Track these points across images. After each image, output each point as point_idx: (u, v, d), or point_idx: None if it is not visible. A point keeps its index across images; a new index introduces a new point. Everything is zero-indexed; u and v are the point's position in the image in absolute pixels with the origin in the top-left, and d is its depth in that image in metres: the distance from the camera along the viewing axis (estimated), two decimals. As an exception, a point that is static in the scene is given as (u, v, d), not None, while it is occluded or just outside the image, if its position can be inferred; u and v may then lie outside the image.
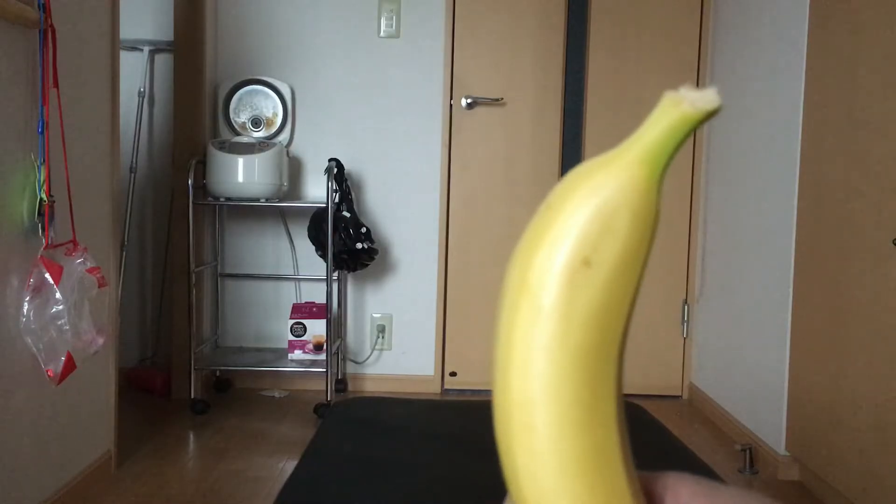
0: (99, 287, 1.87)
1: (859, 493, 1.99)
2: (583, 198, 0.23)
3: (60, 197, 1.86)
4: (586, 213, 0.23)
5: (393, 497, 1.06)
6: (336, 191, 2.93)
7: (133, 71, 3.13)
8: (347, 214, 2.94)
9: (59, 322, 1.73)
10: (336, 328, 3.16)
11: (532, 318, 0.23)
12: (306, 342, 3.01)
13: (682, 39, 3.19)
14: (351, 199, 3.00)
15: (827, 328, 2.16)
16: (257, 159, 2.86)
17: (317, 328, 3.01)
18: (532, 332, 0.23)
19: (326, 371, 2.91)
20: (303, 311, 3.05)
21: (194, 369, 2.90)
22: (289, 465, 2.40)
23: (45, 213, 1.77)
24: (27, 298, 1.73)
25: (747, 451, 2.48)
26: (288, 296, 3.26)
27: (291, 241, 3.25)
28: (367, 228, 2.99)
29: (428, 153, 3.21)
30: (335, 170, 2.92)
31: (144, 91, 3.18)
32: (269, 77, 3.13)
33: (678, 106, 0.23)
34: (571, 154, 3.23)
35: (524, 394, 0.23)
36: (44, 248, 1.76)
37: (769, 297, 2.53)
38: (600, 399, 0.23)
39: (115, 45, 2.26)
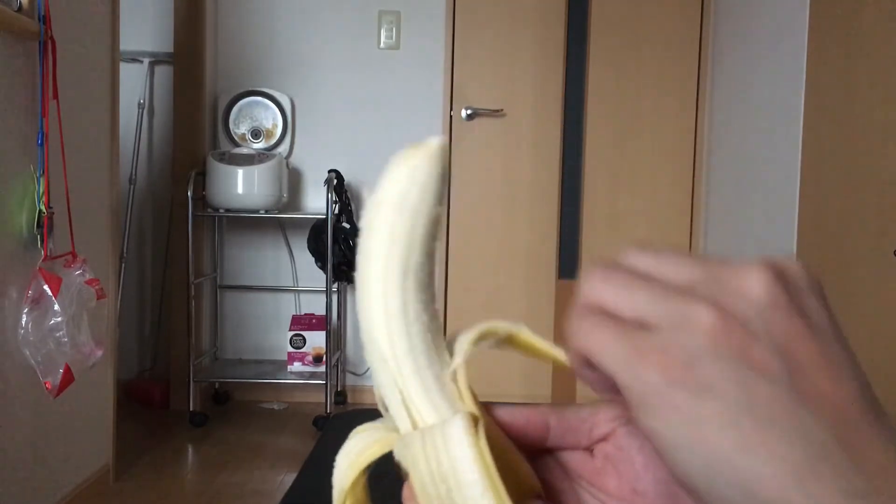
0: (98, 299, 1.86)
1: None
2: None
3: (59, 208, 1.86)
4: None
5: (393, 510, 1.05)
6: (336, 202, 2.92)
7: (133, 82, 3.13)
8: (347, 226, 2.94)
9: (58, 334, 1.72)
10: (336, 340, 3.15)
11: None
12: (306, 354, 3.00)
13: (682, 50, 3.20)
14: (351, 211, 3.00)
15: (829, 339, 2.15)
16: (257, 171, 2.86)
17: (316, 340, 3.00)
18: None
19: (326, 383, 2.90)
20: (302, 322, 3.04)
21: (193, 381, 2.89)
22: (288, 478, 2.39)
23: (44, 225, 1.76)
24: (25, 310, 1.72)
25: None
26: (287, 307, 3.25)
27: (291, 253, 3.24)
28: (367, 239, 2.98)
29: (428, 164, 3.20)
30: (335, 181, 2.92)
31: (144, 102, 3.18)
32: (268, 88, 3.13)
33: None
34: (572, 164, 3.23)
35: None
36: (42, 260, 1.76)
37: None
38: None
39: (114, 56, 2.26)
